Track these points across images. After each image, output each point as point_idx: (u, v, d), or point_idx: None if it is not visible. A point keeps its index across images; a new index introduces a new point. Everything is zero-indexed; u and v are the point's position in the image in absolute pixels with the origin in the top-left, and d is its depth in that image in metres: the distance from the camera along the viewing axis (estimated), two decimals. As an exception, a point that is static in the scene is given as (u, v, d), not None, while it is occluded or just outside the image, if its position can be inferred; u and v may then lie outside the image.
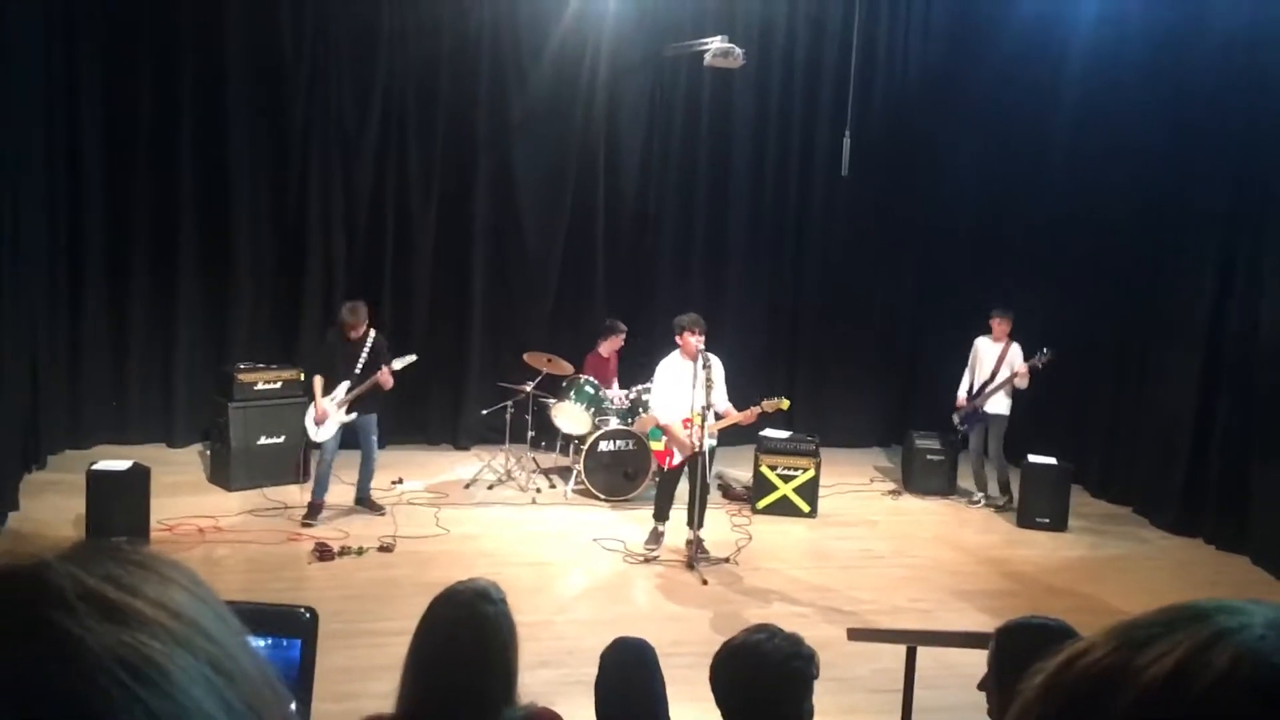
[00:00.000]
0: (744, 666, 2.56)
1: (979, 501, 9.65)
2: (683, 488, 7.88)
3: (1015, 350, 9.40)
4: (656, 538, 7.97)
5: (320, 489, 8.16)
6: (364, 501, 8.36)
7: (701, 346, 7.57)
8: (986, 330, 9.54)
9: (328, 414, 8.06)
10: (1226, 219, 8.90)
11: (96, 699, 0.48)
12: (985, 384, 9.47)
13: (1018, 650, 2.59)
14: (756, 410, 7.73)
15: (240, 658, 0.56)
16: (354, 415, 8.16)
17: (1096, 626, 0.67)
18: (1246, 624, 0.60)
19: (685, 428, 7.57)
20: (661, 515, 7.99)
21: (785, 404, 7.86)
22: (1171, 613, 0.64)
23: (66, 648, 0.49)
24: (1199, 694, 0.57)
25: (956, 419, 9.70)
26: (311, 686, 1.79)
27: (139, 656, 0.50)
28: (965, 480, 9.89)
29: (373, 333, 8.22)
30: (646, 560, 7.80)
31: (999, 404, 9.43)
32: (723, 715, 2.61)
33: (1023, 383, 9.30)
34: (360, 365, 8.09)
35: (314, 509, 8.16)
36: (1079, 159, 10.42)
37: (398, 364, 8.13)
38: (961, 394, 9.64)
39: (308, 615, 1.78)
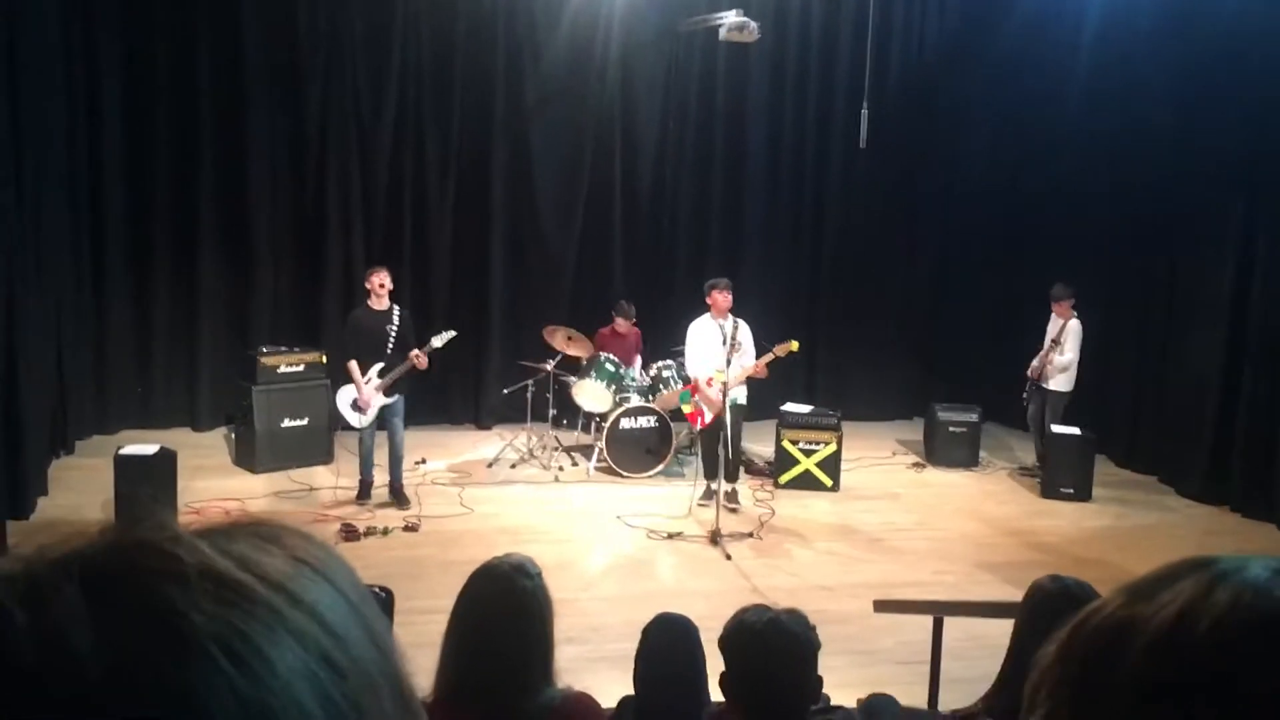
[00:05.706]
0: (763, 643, 2.56)
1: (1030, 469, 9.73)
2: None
3: (1071, 327, 9.27)
4: (710, 494, 8.22)
5: (368, 467, 8.23)
6: (395, 493, 8.27)
7: (729, 307, 8.12)
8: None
9: (371, 400, 8.01)
10: (1247, 186, 8.81)
11: (188, 676, 0.47)
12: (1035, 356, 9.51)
13: (1046, 612, 2.63)
14: (769, 357, 8.07)
15: (360, 652, 0.54)
16: (394, 398, 8.08)
17: None
18: (1245, 566, 0.64)
19: (709, 386, 8.02)
20: (711, 473, 8.24)
21: (794, 345, 8.12)
22: (1178, 565, 0.67)
23: (169, 623, 0.48)
24: (1204, 631, 0.61)
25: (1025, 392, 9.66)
26: None
27: (240, 638, 0.48)
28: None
29: (397, 308, 8.11)
30: (701, 510, 8.14)
31: (1059, 381, 9.35)
32: (733, 690, 2.61)
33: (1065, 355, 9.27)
34: (390, 345, 8.01)
35: (365, 486, 8.25)
36: (1096, 130, 10.30)
37: (437, 341, 8.01)
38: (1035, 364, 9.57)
39: (383, 595, 1.67)
